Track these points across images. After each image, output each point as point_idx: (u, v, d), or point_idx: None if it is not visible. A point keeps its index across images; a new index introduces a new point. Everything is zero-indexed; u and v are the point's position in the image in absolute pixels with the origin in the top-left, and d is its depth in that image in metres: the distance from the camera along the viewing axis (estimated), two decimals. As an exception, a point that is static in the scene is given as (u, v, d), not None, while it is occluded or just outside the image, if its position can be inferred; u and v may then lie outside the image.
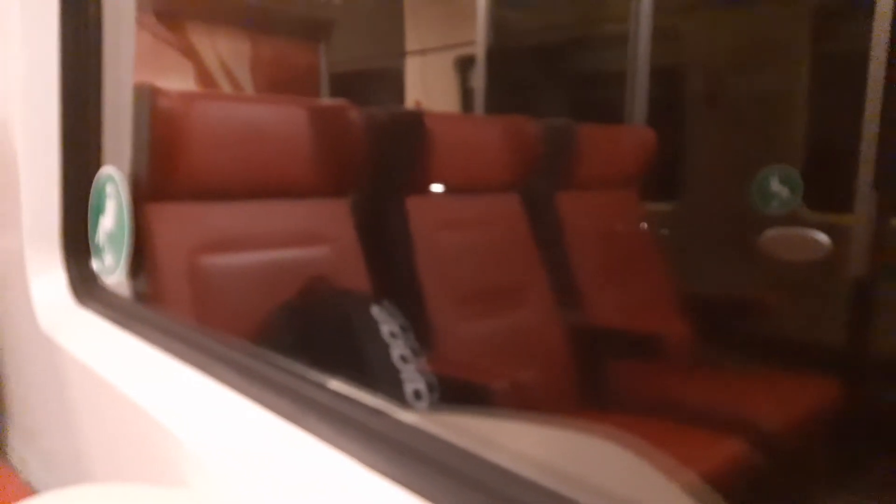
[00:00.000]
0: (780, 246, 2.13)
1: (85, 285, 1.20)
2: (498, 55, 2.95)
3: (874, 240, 1.95)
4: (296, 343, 1.17)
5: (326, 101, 1.57)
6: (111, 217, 1.17)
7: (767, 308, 1.90)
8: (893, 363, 1.81)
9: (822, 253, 2.06)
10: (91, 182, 1.22)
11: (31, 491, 1.25)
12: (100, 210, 1.20)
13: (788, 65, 2.27)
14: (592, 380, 1.69)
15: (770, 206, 2.18)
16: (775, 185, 2.18)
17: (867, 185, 1.94)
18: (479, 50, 2.97)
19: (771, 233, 2.14)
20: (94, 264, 1.21)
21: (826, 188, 2.16)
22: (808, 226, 2.12)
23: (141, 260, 1.21)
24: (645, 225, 2.14)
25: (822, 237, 2.07)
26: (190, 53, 2.72)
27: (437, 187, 1.65)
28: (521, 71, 3.02)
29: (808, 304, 2.00)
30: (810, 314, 1.98)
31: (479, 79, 2.98)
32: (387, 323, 1.14)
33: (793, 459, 1.49)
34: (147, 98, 1.26)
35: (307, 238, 1.43)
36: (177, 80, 2.66)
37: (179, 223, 1.28)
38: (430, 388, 1.10)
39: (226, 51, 2.86)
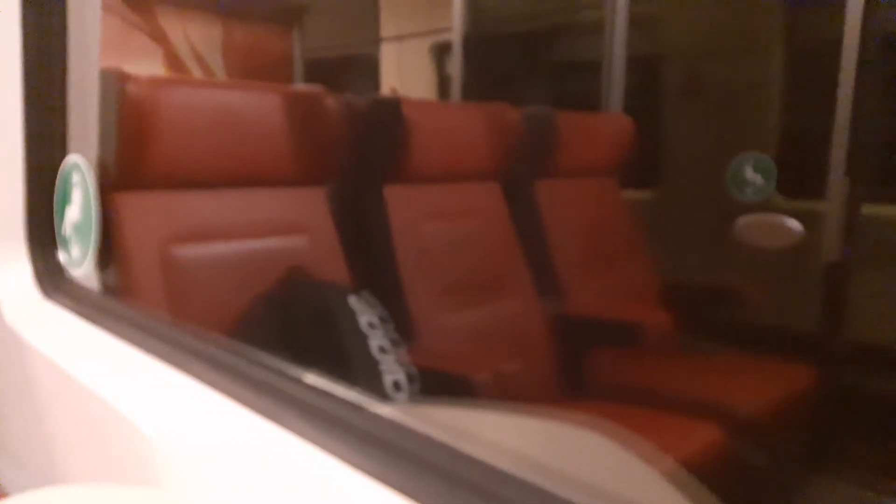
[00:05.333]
0: (754, 233, 2.15)
1: (51, 278, 1.17)
2: (475, 42, 2.92)
3: (846, 226, 1.97)
4: (273, 335, 1.15)
5: (302, 87, 1.53)
6: (78, 207, 1.14)
7: (743, 295, 1.92)
8: (866, 348, 1.85)
9: (794, 240, 2.09)
10: (57, 171, 1.18)
11: (0, 493, 1.22)
12: (66, 200, 1.17)
13: (763, 53, 2.29)
14: (574, 369, 1.69)
15: (744, 194, 2.20)
16: (749, 173, 2.20)
17: (839, 173, 1.96)
18: (456, 37, 2.94)
19: (745, 220, 2.16)
20: (61, 256, 1.18)
21: (799, 175, 2.19)
22: (781, 213, 2.14)
23: (110, 251, 1.18)
24: (623, 213, 2.15)
25: (795, 224, 2.10)
26: (159, 38, 2.65)
27: (415, 176, 1.63)
28: (498, 58, 3.01)
29: (782, 290, 2.02)
30: (784, 301, 2.00)
31: (455, 66, 2.95)
32: (365, 313, 1.12)
33: (770, 445, 1.51)
34: (114, 83, 1.22)
35: (283, 228, 1.40)
36: (145, 66, 2.60)
37: (150, 213, 1.25)
38: (410, 379, 1.09)
39: (196, 35, 2.80)
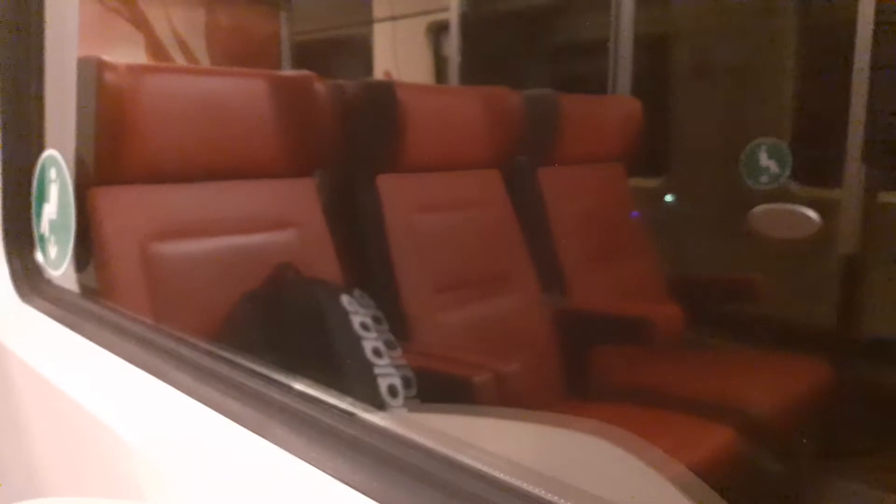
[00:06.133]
0: (769, 223, 2.14)
1: (29, 279, 1.16)
2: (473, 22, 2.90)
3: (864, 215, 1.97)
4: (260, 337, 1.14)
5: (290, 72, 1.52)
6: (55, 204, 1.13)
7: (757, 288, 1.92)
8: (884, 343, 1.84)
9: (811, 229, 2.08)
10: (33, 166, 1.17)
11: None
12: (43, 197, 1.16)
13: (776, 35, 2.27)
14: (580, 368, 1.68)
15: (759, 181, 2.19)
16: (764, 160, 2.19)
17: (856, 159, 1.95)
18: (453, 16, 2.92)
19: (759, 209, 2.16)
20: (39, 256, 1.17)
21: (815, 162, 2.18)
22: (797, 201, 2.13)
23: (90, 250, 1.17)
24: (632, 202, 2.14)
25: (811, 213, 2.09)
26: (140, 23, 2.63)
27: (410, 165, 1.62)
28: (498, 39, 2.98)
29: (797, 282, 2.02)
30: (800, 293, 2.00)
31: (453, 47, 2.93)
32: (358, 313, 1.12)
33: (785, 445, 1.51)
34: (93, 72, 1.21)
35: (270, 222, 1.39)
36: (126, 53, 2.58)
37: (131, 209, 1.24)
38: (407, 383, 1.09)
39: (179, 20, 2.78)
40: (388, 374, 1.07)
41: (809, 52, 2.22)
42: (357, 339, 1.08)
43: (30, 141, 1.20)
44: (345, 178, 1.56)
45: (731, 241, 2.19)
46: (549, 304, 1.73)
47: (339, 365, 1.07)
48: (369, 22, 3.45)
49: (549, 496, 0.52)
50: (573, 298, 1.79)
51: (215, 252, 1.30)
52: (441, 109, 1.73)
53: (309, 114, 1.46)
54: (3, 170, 1.19)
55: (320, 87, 1.48)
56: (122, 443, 0.77)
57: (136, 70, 1.27)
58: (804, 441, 1.63)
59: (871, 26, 1.86)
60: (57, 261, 1.12)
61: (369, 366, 1.07)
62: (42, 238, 1.16)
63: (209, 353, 0.85)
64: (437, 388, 1.16)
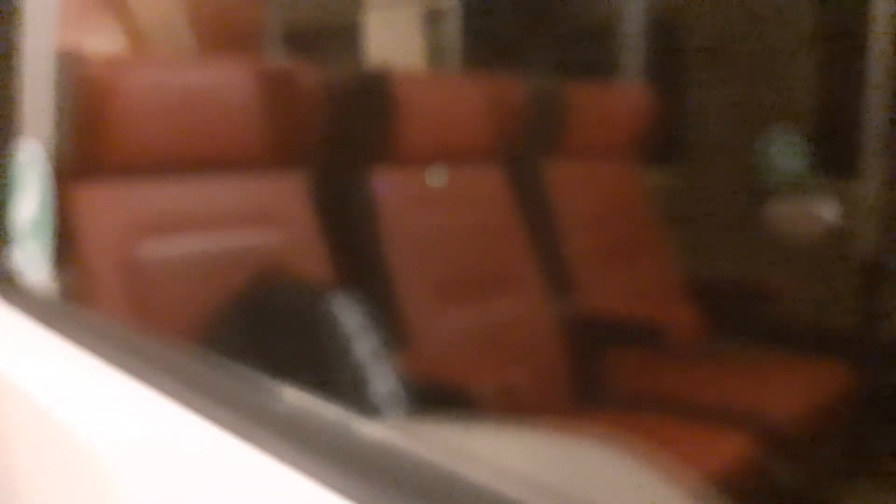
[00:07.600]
0: (784, 218, 2.13)
1: (2, 282, 1.16)
2: (474, 6, 2.89)
3: (886, 210, 1.96)
4: (247, 343, 1.14)
5: (280, 62, 1.53)
6: (32, 201, 1.13)
7: (773, 290, 1.91)
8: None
9: (829, 226, 2.07)
10: (8, 161, 1.17)
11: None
12: (19, 193, 1.16)
13: (792, 18, 2.26)
14: (590, 375, 1.68)
15: (773, 174, 2.19)
16: (778, 151, 2.19)
17: (878, 149, 1.95)
18: (453, 1, 2.91)
19: (774, 204, 2.15)
20: (14, 256, 1.17)
21: (833, 153, 2.17)
22: (814, 195, 2.12)
23: (69, 250, 1.17)
24: (643, 197, 2.13)
25: (829, 208, 2.08)
26: (120, 10, 2.63)
27: (407, 159, 1.61)
28: (500, 23, 2.98)
29: (815, 283, 2.01)
30: (818, 295, 1.99)
31: (453, 33, 2.93)
32: (350, 318, 1.11)
33: (806, 455, 1.51)
34: (72, 64, 1.21)
35: (257, 220, 1.39)
36: (106, 43, 2.58)
37: (113, 205, 1.24)
38: (401, 392, 1.08)
39: (161, 6, 2.77)
40: (379, 382, 1.06)
41: (825, 29, 2.20)
42: (347, 345, 1.08)
43: (5, 135, 1.20)
44: (337, 173, 1.56)
45: (745, 238, 2.18)
46: (556, 308, 1.72)
47: (328, 372, 1.07)
48: (364, 6, 3.44)
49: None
50: (583, 301, 1.78)
51: (202, 250, 1.30)
52: (439, 100, 1.72)
53: (299, 105, 1.46)
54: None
55: (312, 76, 1.48)
56: (105, 451, 0.77)
57: (116, 61, 1.28)
58: (829, 450, 1.63)
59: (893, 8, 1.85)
60: (34, 262, 1.12)
61: (360, 373, 1.06)
62: (18, 237, 1.16)
63: (196, 358, 0.85)
64: (436, 399, 1.16)
